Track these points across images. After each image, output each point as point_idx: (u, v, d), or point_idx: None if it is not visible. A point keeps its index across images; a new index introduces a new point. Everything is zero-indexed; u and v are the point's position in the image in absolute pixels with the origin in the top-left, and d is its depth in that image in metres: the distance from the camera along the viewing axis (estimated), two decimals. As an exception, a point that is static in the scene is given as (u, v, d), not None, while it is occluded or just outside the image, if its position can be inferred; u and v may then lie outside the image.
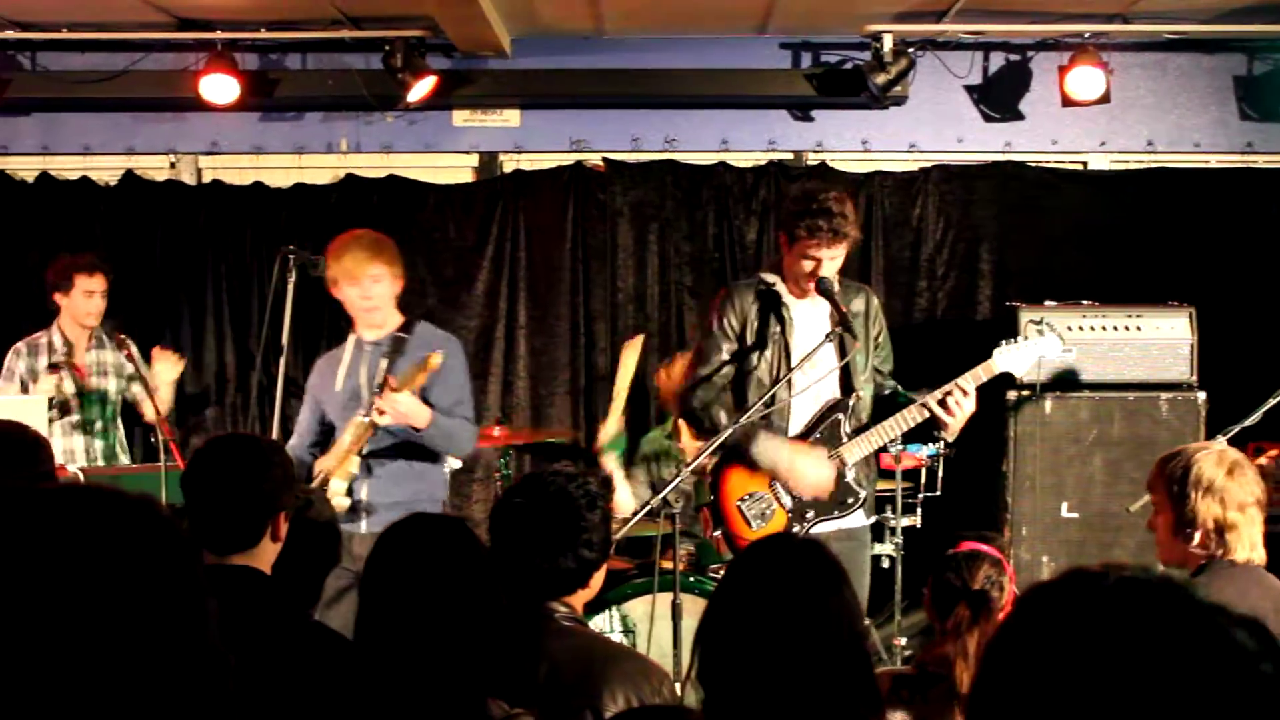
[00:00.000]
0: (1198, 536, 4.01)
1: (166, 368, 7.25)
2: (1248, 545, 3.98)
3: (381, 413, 5.39)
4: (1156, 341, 7.54)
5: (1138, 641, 1.35)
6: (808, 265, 5.27)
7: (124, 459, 7.39)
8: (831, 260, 5.29)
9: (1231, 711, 1.31)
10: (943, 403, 5.23)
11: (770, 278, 5.49)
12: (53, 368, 7.11)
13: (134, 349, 6.91)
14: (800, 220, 5.22)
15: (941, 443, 6.83)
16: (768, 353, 5.38)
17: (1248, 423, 5.86)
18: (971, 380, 5.28)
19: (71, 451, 7.11)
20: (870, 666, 2.81)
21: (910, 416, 5.30)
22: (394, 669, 2.82)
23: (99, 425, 7.28)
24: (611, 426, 7.35)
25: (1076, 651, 1.37)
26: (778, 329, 5.39)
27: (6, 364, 7.23)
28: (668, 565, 5.45)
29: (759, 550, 2.99)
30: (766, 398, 5.21)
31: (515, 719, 2.91)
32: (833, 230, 5.19)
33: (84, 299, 7.22)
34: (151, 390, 6.77)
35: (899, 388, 5.59)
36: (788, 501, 5.36)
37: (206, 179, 8.94)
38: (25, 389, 7.09)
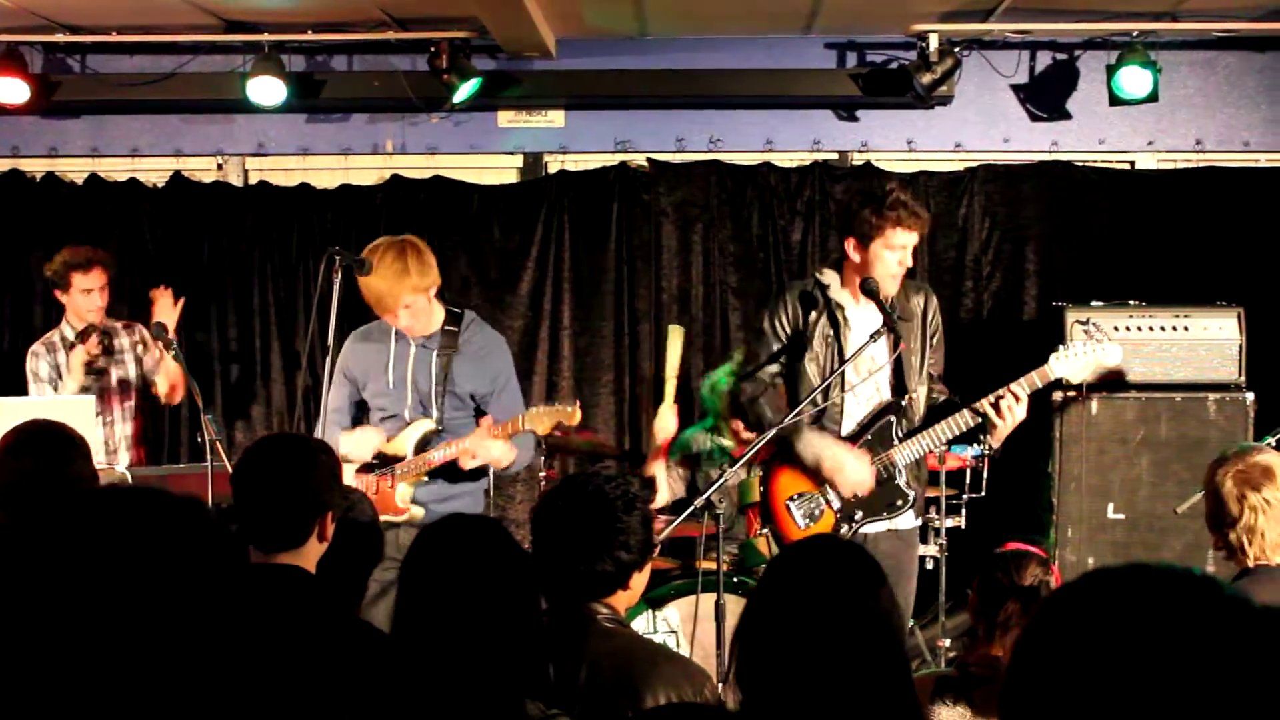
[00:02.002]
0: (1217, 540, 4.05)
1: (166, 312, 7.15)
2: (1249, 543, 3.97)
3: (473, 456, 5.52)
4: (1204, 342, 7.48)
5: (1167, 636, 1.35)
6: (895, 256, 5.31)
7: (131, 454, 7.34)
8: (912, 246, 5.33)
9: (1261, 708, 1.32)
10: (995, 406, 5.23)
11: (826, 279, 5.50)
12: (83, 335, 7.10)
13: (144, 329, 6.96)
14: (881, 214, 5.26)
15: (986, 444, 6.80)
16: (820, 353, 5.39)
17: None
18: (1026, 386, 5.27)
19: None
20: (908, 669, 2.79)
21: (962, 420, 5.31)
22: (430, 668, 2.83)
23: (116, 415, 7.28)
24: (667, 418, 7.29)
25: (1106, 645, 1.37)
26: (831, 330, 5.40)
27: (29, 369, 7.19)
28: (711, 566, 5.44)
29: (797, 551, 2.98)
30: (816, 395, 5.23)
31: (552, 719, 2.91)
32: (914, 213, 5.26)
33: (83, 297, 7.15)
34: (170, 358, 6.79)
35: (946, 392, 5.59)
36: (836, 502, 5.37)
37: (253, 180, 8.99)
38: (56, 387, 7.08)
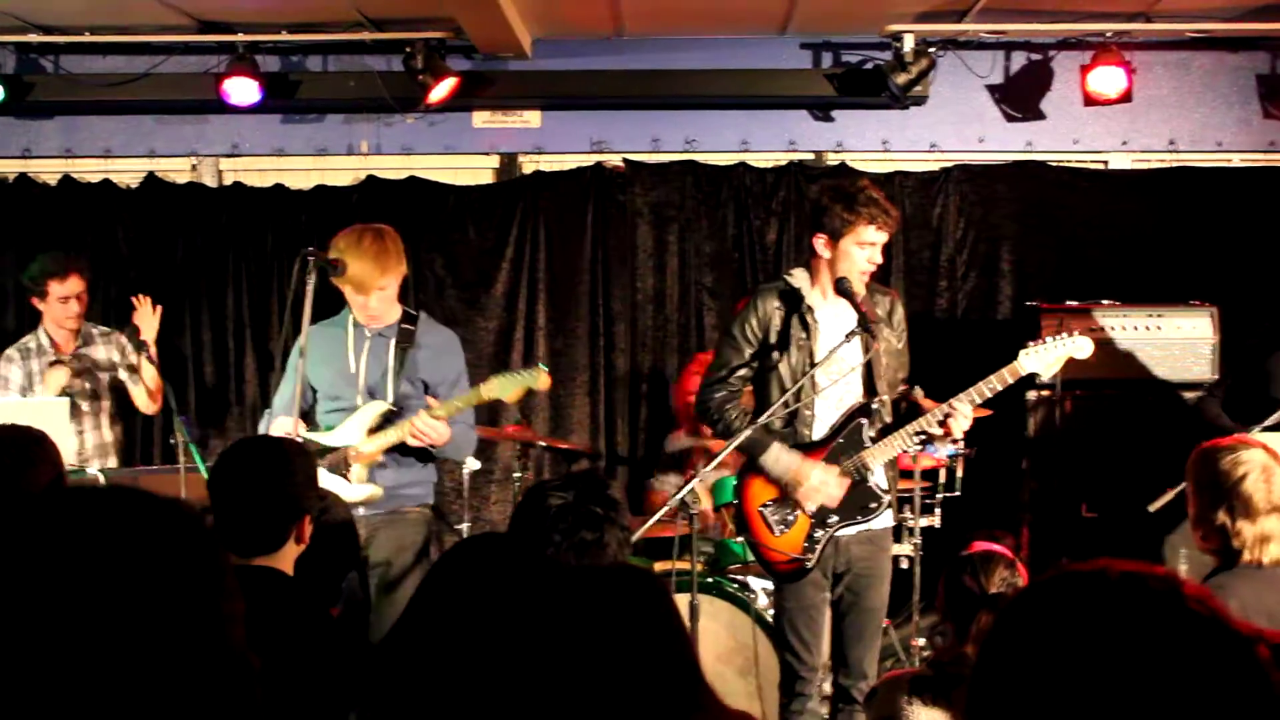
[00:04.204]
0: (1205, 535, 4.02)
1: (146, 320, 7.14)
2: (1258, 547, 3.94)
3: (416, 435, 5.52)
4: (1178, 341, 7.53)
5: (1128, 641, 1.37)
6: (864, 254, 5.26)
7: (112, 460, 7.30)
8: (881, 245, 5.33)
9: (1213, 716, 1.33)
10: (943, 422, 5.25)
11: (796, 281, 5.45)
12: (56, 363, 7.08)
13: (124, 337, 6.94)
14: (853, 210, 5.22)
15: (961, 442, 6.81)
16: (791, 356, 5.35)
17: (1269, 423, 5.84)
18: (997, 383, 5.27)
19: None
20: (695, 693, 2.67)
21: (908, 436, 5.31)
22: (434, 688, 2.76)
23: (88, 423, 7.23)
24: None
25: (1068, 649, 1.39)
26: (802, 333, 5.35)
27: (0, 374, 7.16)
28: (685, 565, 5.45)
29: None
30: (788, 397, 5.21)
31: None
32: (886, 212, 5.24)
33: (60, 305, 7.11)
34: (146, 363, 6.76)
35: (910, 392, 5.57)
36: (810, 507, 5.34)
37: (228, 181, 8.96)
38: (25, 395, 7.03)
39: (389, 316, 5.75)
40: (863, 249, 5.26)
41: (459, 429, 5.73)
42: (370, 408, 5.66)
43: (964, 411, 5.23)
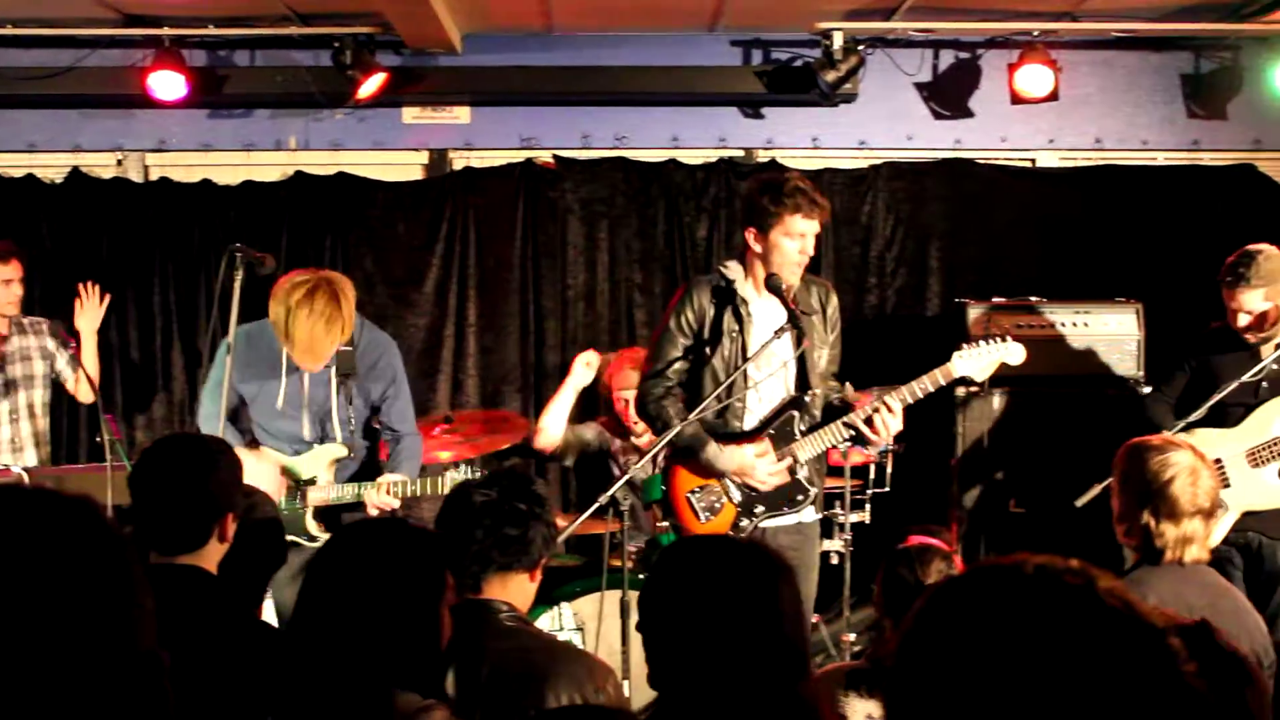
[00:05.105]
0: (1128, 531, 4.05)
1: (90, 314, 7.06)
2: (1180, 547, 3.96)
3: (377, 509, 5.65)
4: (1104, 337, 7.59)
5: (1042, 633, 1.38)
6: (795, 245, 5.26)
7: (38, 451, 7.19)
8: (813, 236, 5.31)
9: (1124, 707, 1.35)
10: (869, 421, 5.26)
11: (731, 273, 5.46)
12: None
13: (60, 329, 6.85)
14: (780, 201, 5.23)
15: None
16: (725, 349, 5.36)
17: (1193, 418, 5.90)
18: (929, 384, 5.29)
19: None
20: (806, 667, 2.78)
21: (840, 428, 5.32)
22: (312, 659, 2.79)
23: (22, 413, 7.12)
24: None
25: (982, 641, 1.40)
26: (735, 326, 5.37)
27: None
28: (616, 563, 5.45)
29: (695, 547, 2.95)
30: (720, 391, 5.22)
31: (427, 710, 2.86)
32: (813, 201, 5.22)
33: (2, 289, 7.01)
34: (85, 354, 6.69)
35: (839, 388, 5.58)
36: (737, 495, 5.36)
37: (154, 176, 8.86)
38: None
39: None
40: (792, 240, 5.26)
41: (410, 447, 5.82)
42: (329, 451, 5.66)
43: (894, 409, 5.26)
